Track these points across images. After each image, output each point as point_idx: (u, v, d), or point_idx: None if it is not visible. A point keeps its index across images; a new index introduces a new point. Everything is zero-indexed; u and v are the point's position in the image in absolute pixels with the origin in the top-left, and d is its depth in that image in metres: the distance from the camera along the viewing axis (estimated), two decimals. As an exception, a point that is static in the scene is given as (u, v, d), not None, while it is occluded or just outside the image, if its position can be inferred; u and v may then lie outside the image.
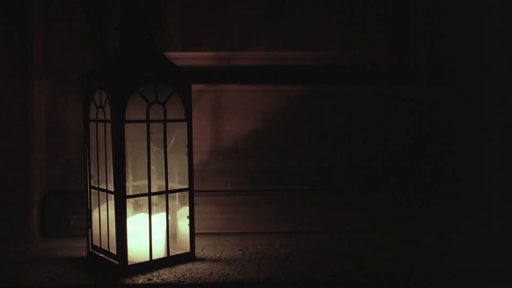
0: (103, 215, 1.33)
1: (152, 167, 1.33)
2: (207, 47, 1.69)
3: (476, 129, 1.69)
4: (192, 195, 1.37)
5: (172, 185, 1.37)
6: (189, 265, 1.32)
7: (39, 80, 1.60)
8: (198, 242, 1.49)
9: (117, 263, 1.26)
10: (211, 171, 1.66)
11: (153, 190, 1.37)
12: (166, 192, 1.33)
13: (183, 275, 1.24)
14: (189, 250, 1.36)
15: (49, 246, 1.50)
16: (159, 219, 1.34)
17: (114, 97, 1.24)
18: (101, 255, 1.33)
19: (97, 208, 1.36)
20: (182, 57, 1.65)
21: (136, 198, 1.33)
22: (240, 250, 1.46)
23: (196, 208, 1.38)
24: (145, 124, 1.29)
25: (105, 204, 1.32)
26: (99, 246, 1.34)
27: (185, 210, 1.37)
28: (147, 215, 1.30)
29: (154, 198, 1.38)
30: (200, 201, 1.57)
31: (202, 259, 1.37)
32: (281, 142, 1.67)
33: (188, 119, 1.36)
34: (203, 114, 1.66)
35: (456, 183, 1.68)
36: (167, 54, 1.57)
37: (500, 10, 1.65)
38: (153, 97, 1.29)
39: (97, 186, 1.35)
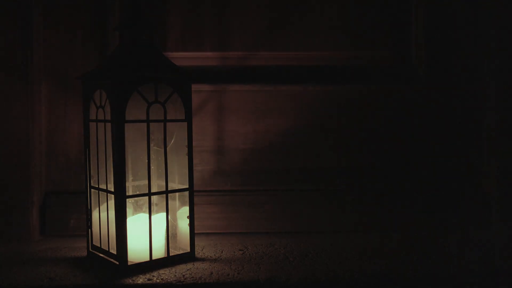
0: (103, 215, 1.33)
1: (152, 167, 1.33)
2: (208, 47, 1.69)
3: (475, 128, 1.69)
4: (192, 195, 1.37)
5: (172, 185, 1.37)
6: (189, 265, 1.32)
7: (39, 80, 1.60)
8: (198, 242, 1.49)
9: (117, 263, 1.26)
10: (211, 171, 1.66)
11: (153, 190, 1.37)
12: (166, 192, 1.33)
13: (183, 275, 1.24)
14: (189, 250, 1.36)
15: (49, 246, 1.50)
16: (159, 219, 1.34)
17: (114, 97, 1.24)
18: (101, 255, 1.33)
19: (97, 208, 1.36)
20: (182, 57, 1.65)
21: (136, 198, 1.33)
22: (240, 250, 1.46)
23: (196, 208, 1.38)
24: (145, 124, 1.29)
25: (105, 204, 1.32)
26: (99, 246, 1.34)
27: (185, 210, 1.37)
28: (147, 215, 1.30)
29: (154, 198, 1.38)
30: (200, 201, 1.57)
31: (202, 259, 1.37)
32: (281, 142, 1.67)
33: (188, 119, 1.36)
34: (203, 114, 1.66)
35: (456, 182, 1.68)
36: (167, 54, 1.57)
37: (500, 11, 1.65)
38: (153, 97, 1.29)
39: (97, 186, 1.35)
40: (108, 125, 1.28)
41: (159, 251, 1.32)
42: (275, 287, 1.21)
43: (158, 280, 1.21)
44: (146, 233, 1.29)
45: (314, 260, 1.37)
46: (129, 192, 1.35)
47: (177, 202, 1.41)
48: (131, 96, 1.25)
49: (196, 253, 1.40)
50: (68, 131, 1.64)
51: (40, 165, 1.61)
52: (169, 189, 1.33)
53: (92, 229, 1.37)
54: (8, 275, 1.25)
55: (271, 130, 1.67)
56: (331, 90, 1.68)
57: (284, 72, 1.69)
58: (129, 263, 1.26)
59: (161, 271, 1.27)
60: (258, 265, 1.33)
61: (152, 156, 1.35)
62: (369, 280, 1.23)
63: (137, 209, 1.36)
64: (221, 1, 1.69)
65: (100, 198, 1.35)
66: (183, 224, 1.37)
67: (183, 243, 1.38)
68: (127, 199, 1.26)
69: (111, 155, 1.26)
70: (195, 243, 1.38)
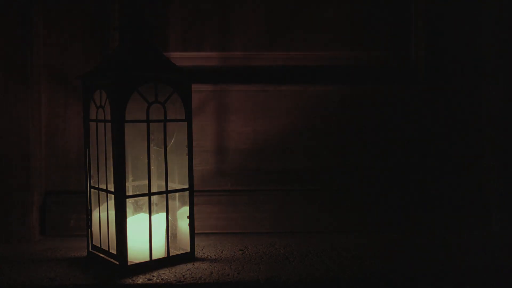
0: (103, 215, 1.33)
1: (152, 167, 1.33)
2: (208, 47, 1.69)
3: (475, 129, 1.69)
4: (192, 195, 1.37)
5: (172, 185, 1.37)
6: (189, 265, 1.32)
7: (39, 80, 1.60)
8: (198, 242, 1.49)
9: (117, 263, 1.26)
10: (211, 171, 1.66)
11: (153, 190, 1.36)
12: (166, 192, 1.33)
13: (183, 275, 1.24)
14: (189, 250, 1.36)
15: (49, 246, 1.50)
16: (159, 219, 1.34)
17: (114, 97, 1.24)
18: (101, 255, 1.33)
19: (97, 208, 1.36)
20: (182, 57, 1.65)
21: (136, 198, 1.33)
22: (240, 250, 1.46)
23: (196, 208, 1.38)
24: (145, 124, 1.29)
25: (105, 204, 1.32)
26: (99, 246, 1.34)
27: (185, 210, 1.37)
28: (147, 215, 1.30)
29: (154, 198, 1.38)
30: (200, 201, 1.57)
31: (202, 259, 1.37)
32: (281, 142, 1.67)
33: (188, 119, 1.36)
34: (203, 114, 1.66)
35: (455, 183, 1.68)
36: (167, 54, 1.57)
37: (501, 10, 1.65)
38: (153, 97, 1.29)
39: (97, 186, 1.35)
40: (108, 125, 1.28)
41: (159, 251, 1.32)
42: (275, 287, 1.21)
43: (158, 280, 1.21)
44: (146, 233, 1.29)
45: (314, 260, 1.37)
46: (129, 192, 1.35)
47: (177, 202, 1.41)
48: (131, 96, 1.25)
49: (196, 253, 1.40)
50: (68, 131, 1.64)
51: (40, 165, 1.61)
52: (169, 189, 1.33)
53: (92, 229, 1.37)
54: (8, 275, 1.25)
55: (271, 130, 1.67)
56: (331, 90, 1.68)
57: (284, 72, 1.69)
58: (129, 263, 1.26)
59: (161, 271, 1.27)
60: (258, 265, 1.33)
61: (152, 156, 1.35)
62: (369, 280, 1.23)
63: (137, 209, 1.36)
64: (222, 2, 1.69)
65: (100, 198, 1.35)
66: (183, 224, 1.37)
67: (183, 243, 1.38)
68: (127, 199, 1.26)
69: (111, 155, 1.26)
70: (195, 243, 1.38)
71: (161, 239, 1.33)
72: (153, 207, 1.37)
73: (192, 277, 1.23)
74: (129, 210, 1.30)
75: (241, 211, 1.65)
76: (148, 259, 1.29)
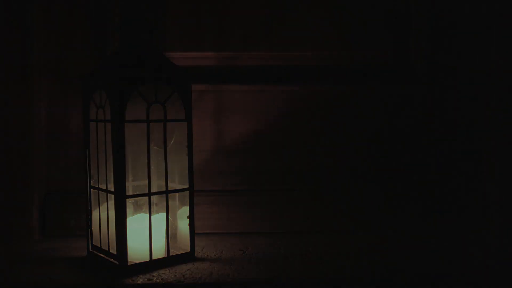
0: (103, 215, 1.33)
1: (152, 167, 1.33)
2: (207, 47, 1.69)
3: (476, 129, 1.69)
4: (192, 195, 1.37)
5: (172, 185, 1.37)
6: (189, 265, 1.32)
7: (39, 80, 1.60)
8: (198, 242, 1.49)
9: (117, 263, 1.26)
10: (211, 171, 1.66)
11: (153, 190, 1.36)
12: (166, 192, 1.33)
13: (183, 275, 1.24)
14: (189, 250, 1.36)
15: (49, 246, 1.50)
16: (159, 219, 1.34)
17: (114, 97, 1.24)
18: (101, 255, 1.33)
19: (97, 208, 1.36)
20: (182, 57, 1.64)
21: (136, 198, 1.33)
22: (240, 250, 1.46)
23: (196, 208, 1.38)
24: (145, 124, 1.29)
25: (105, 204, 1.32)
26: (99, 246, 1.34)
27: (185, 210, 1.37)
28: (147, 215, 1.30)
29: (154, 198, 1.38)
30: (200, 201, 1.56)
31: (202, 259, 1.37)
32: (281, 142, 1.67)
33: (188, 119, 1.36)
34: (203, 114, 1.66)
35: (455, 183, 1.68)
36: (167, 54, 1.57)
37: (502, 9, 1.65)
38: (153, 97, 1.29)
39: (97, 186, 1.35)
40: (108, 125, 1.28)
41: (159, 251, 1.32)
42: (275, 287, 1.21)
43: (158, 280, 1.21)
44: (146, 233, 1.29)
45: (314, 260, 1.37)
46: (129, 192, 1.35)
47: (177, 202, 1.41)
48: (131, 96, 1.25)
49: (196, 253, 1.40)
50: (68, 131, 1.64)
51: (40, 165, 1.61)
52: (169, 189, 1.33)
53: (92, 229, 1.37)
54: (8, 275, 1.25)
55: (270, 130, 1.67)
56: (331, 90, 1.68)
57: (283, 72, 1.69)
58: (129, 263, 1.26)
59: (161, 271, 1.27)
60: (258, 265, 1.33)
61: (152, 156, 1.34)
62: (371, 280, 1.23)
63: (137, 209, 1.36)
64: (220, 2, 1.69)
65: (100, 198, 1.35)
66: (183, 224, 1.37)
67: (183, 243, 1.38)
68: (127, 199, 1.26)
69: (111, 155, 1.26)
70: (195, 243, 1.38)
71: (161, 239, 1.33)
72: (153, 207, 1.37)
73: (192, 277, 1.23)
74: (129, 210, 1.30)
75: (241, 211, 1.65)
76: (148, 259, 1.29)
